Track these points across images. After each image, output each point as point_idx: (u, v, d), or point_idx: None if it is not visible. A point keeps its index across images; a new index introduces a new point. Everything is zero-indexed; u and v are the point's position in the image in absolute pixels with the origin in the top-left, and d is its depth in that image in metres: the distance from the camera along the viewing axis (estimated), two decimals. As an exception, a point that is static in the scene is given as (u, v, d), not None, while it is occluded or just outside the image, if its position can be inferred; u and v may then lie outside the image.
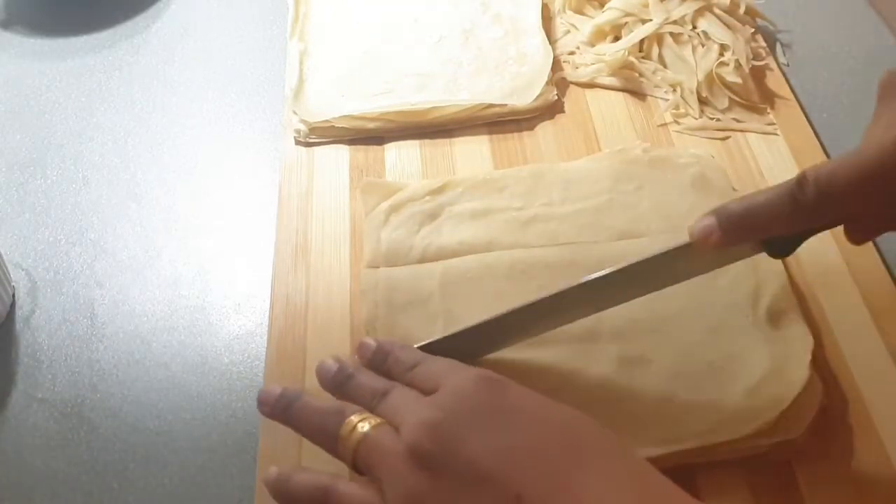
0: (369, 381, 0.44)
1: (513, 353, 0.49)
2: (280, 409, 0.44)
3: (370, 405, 0.42)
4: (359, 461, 0.40)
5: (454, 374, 0.42)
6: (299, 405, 0.43)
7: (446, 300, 0.52)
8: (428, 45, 0.70)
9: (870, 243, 0.55)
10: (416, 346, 0.48)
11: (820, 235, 0.55)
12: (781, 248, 0.45)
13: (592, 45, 0.70)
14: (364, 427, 0.40)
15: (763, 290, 0.51)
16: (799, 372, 0.47)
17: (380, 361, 0.46)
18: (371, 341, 0.47)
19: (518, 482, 0.36)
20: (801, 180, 0.42)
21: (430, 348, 0.48)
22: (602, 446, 0.38)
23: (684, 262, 0.46)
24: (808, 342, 0.49)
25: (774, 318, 0.50)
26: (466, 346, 0.49)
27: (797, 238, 0.45)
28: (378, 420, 0.40)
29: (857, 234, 0.46)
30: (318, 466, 0.47)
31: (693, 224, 0.44)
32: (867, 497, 0.44)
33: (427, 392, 0.41)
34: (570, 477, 0.36)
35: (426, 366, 0.44)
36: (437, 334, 0.50)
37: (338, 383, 0.45)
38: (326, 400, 0.44)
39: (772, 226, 0.43)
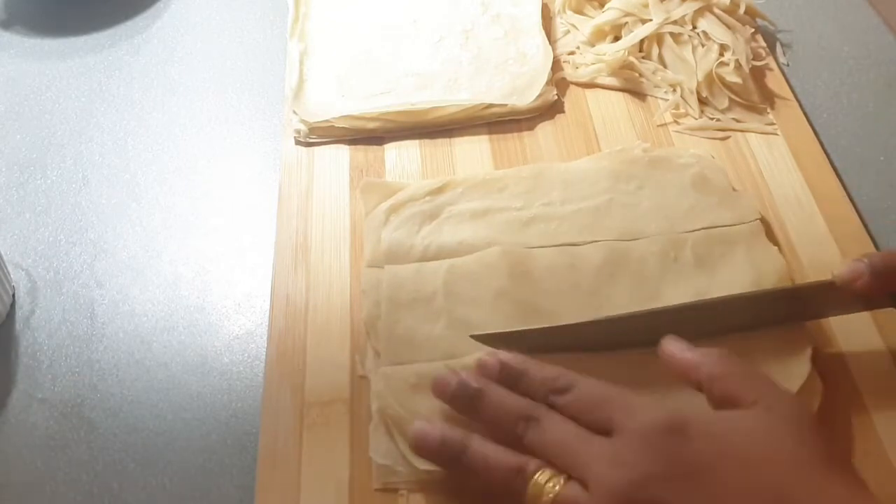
0: (508, 400, 0.43)
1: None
2: (448, 457, 0.43)
3: (517, 431, 0.42)
4: None
5: (630, 416, 0.40)
6: (471, 455, 0.42)
7: (449, 299, 0.52)
8: (428, 45, 0.70)
9: (869, 243, 0.55)
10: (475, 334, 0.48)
11: (818, 236, 0.56)
12: None
13: (592, 45, 0.70)
14: (553, 488, 0.40)
15: (763, 286, 0.51)
16: (799, 368, 0.47)
17: (510, 380, 0.44)
18: (493, 358, 0.45)
19: None
20: None
21: (498, 338, 0.48)
22: (800, 467, 0.38)
23: (815, 302, 0.48)
24: (810, 338, 0.49)
25: None
26: (538, 342, 0.49)
27: None
28: (561, 477, 0.40)
29: None
30: (320, 467, 0.47)
31: (839, 267, 0.46)
32: (867, 497, 0.44)
33: (594, 427, 0.41)
34: None
35: (583, 392, 0.42)
36: (439, 332, 0.50)
37: (465, 400, 0.44)
38: (497, 448, 0.42)
39: None
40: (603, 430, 0.41)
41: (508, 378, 0.45)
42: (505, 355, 0.46)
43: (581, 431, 0.41)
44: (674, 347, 0.45)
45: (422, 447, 0.44)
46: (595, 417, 0.41)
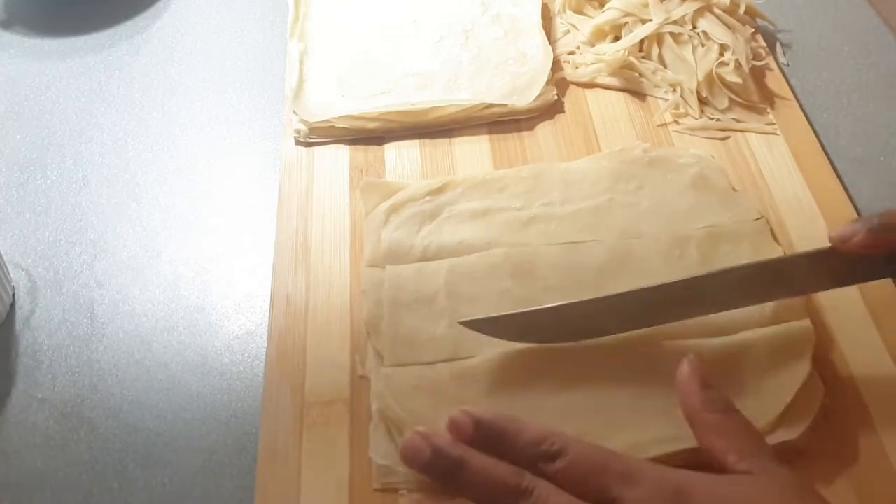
0: (494, 470, 0.39)
1: (517, 353, 0.49)
2: (443, 469, 0.40)
3: None
4: None
5: (629, 485, 0.38)
6: (471, 473, 0.39)
7: (452, 299, 0.52)
8: (428, 45, 0.70)
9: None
10: (461, 321, 0.48)
11: (819, 236, 0.56)
12: None
13: (592, 45, 0.70)
14: None
15: None
16: (800, 367, 0.47)
17: (488, 441, 0.41)
18: (467, 417, 0.41)
19: None
20: None
21: (494, 322, 0.48)
22: None
23: (814, 271, 0.46)
24: (810, 337, 0.49)
25: (779, 315, 0.50)
26: (536, 328, 0.48)
27: None
28: None
29: None
30: (320, 467, 0.47)
31: (835, 229, 0.44)
32: (867, 497, 0.44)
33: (589, 497, 0.38)
34: None
35: (575, 459, 0.39)
36: (442, 332, 0.50)
37: (444, 470, 0.40)
38: (495, 463, 0.40)
39: None
40: (599, 500, 0.39)
41: (485, 439, 0.41)
42: (478, 413, 0.42)
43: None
44: (686, 376, 0.43)
45: (411, 459, 0.41)
46: (591, 487, 0.39)
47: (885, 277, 0.47)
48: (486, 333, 0.49)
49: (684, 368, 0.43)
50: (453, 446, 0.41)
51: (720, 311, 0.48)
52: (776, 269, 0.47)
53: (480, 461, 0.40)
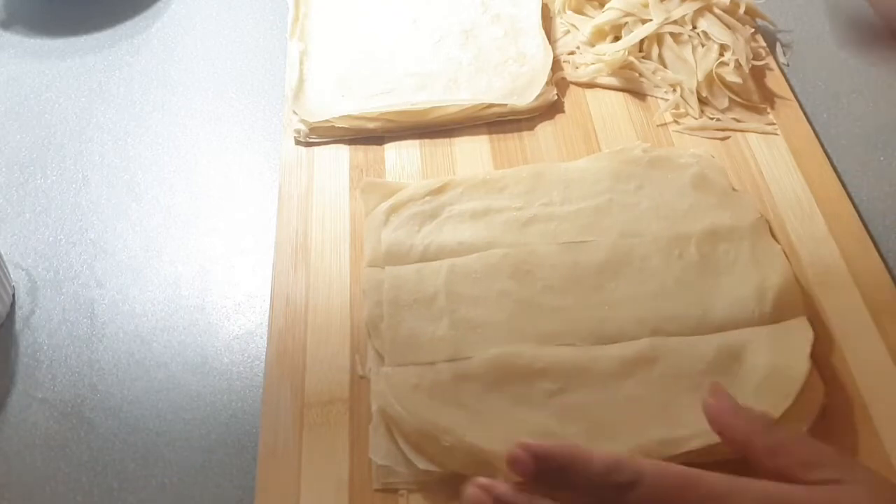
0: None
1: (516, 353, 0.49)
2: None
3: None
4: None
5: None
6: None
7: (451, 299, 0.52)
8: (428, 45, 0.70)
9: (869, 243, 0.56)
10: None
11: (818, 236, 0.56)
12: None
13: (592, 45, 0.70)
14: None
15: (768, 283, 0.51)
16: (799, 366, 0.47)
17: (553, 476, 0.37)
18: (525, 452, 0.36)
19: None
20: None
21: None
22: None
23: None
24: (808, 335, 0.49)
25: (778, 312, 0.50)
26: None
27: None
28: None
29: None
30: (320, 467, 0.47)
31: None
32: (867, 497, 0.44)
33: None
34: None
35: (653, 484, 0.36)
36: (442, 333, 0.50)
37: None
38: None
39: None
40: None
41: (550, 473, 0.37)
42: (536, 445, 0.37)
43: None
44: (717, 410, 0.40)
45: None
46: None
47: None
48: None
49: (711, 403, 0.40)
50: (516, 495, 0.36)
51: None
52: None
53: None
